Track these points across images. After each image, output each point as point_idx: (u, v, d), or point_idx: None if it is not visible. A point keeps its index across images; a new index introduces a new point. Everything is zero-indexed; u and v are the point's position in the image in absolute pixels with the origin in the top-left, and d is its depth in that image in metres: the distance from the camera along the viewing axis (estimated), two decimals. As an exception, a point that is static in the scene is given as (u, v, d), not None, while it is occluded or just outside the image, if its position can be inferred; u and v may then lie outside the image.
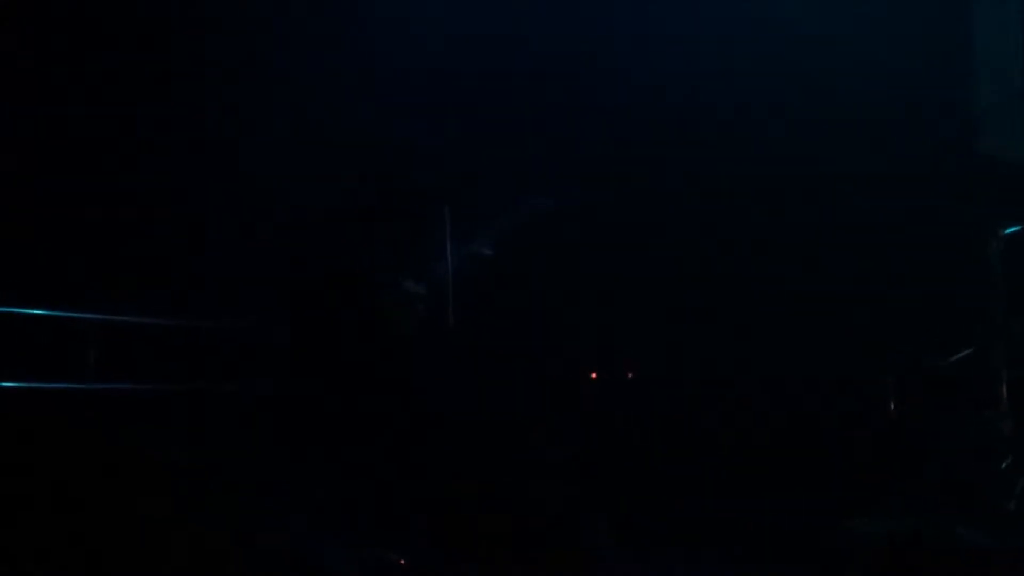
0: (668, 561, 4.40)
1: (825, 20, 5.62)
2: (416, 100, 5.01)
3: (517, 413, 4.91)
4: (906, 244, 5.35)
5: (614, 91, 5.57)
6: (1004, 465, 4.53)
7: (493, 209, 4.76)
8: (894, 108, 5.61)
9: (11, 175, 4.61)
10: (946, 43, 5.89)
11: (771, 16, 5.61)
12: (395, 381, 4.50)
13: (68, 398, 4.41)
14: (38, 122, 4.67)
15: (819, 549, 4.33)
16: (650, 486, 4.92)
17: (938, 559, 4.17)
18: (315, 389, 4.41)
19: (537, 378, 5.00)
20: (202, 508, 4.18)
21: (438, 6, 5.30)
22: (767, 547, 4.45)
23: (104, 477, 4.23)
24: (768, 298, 5.30)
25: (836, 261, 5.34)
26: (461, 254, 4.50)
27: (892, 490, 4.82)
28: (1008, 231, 4.80)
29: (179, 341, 4.77)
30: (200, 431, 4.50)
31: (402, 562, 3.91)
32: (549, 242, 5.14)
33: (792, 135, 5.52)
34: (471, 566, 4.09)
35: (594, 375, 5.12)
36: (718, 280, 5.39)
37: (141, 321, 4.63)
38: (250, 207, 4.93)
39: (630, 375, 5.16)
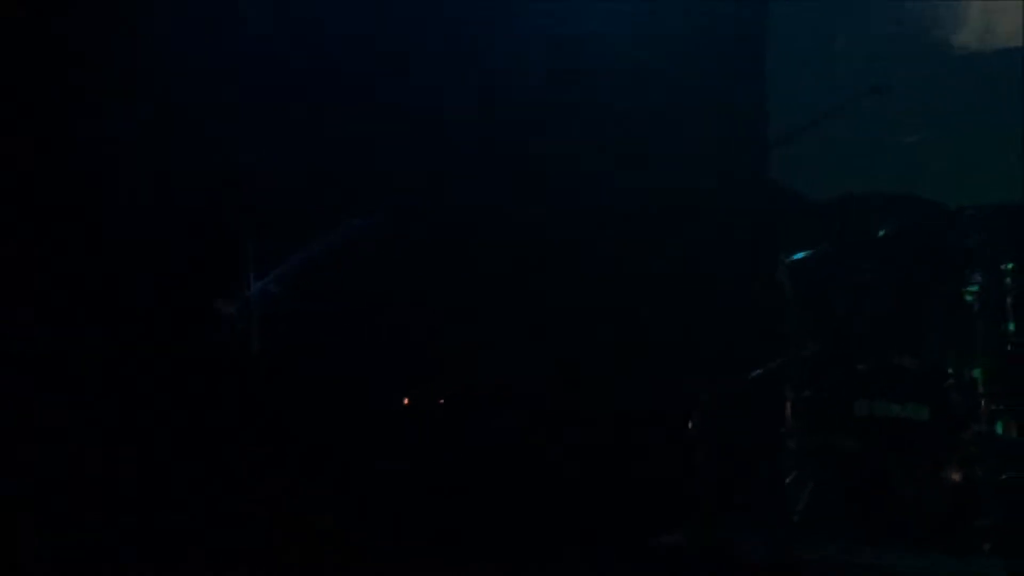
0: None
1: (608, 44, 5.39)
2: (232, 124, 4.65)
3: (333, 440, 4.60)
4: (697, 271, 5.17)
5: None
6: (788, 481, 4.38)
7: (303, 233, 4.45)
8: (684, 137, 5.43)
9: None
10: (737, 73, 5.71)
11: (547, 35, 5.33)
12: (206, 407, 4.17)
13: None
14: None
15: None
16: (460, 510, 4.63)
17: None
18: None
19: (350, 405, 4.69)
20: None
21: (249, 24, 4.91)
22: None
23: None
24: (565, 327, 5.05)
25: (627, 290, 5.11)
26: (271, 280, 4.20)
27: (692, 506, 4.64)
28: (794, 258, 4.65)
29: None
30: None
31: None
32: (361, 264, 4.84)
33: (577, 163, 5.27)
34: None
35: (406, 401, 4.80)
36: (524, 309, 5.12)
37: None
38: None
39: (441, 401, 4.85)
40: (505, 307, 5.17)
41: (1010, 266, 4.09)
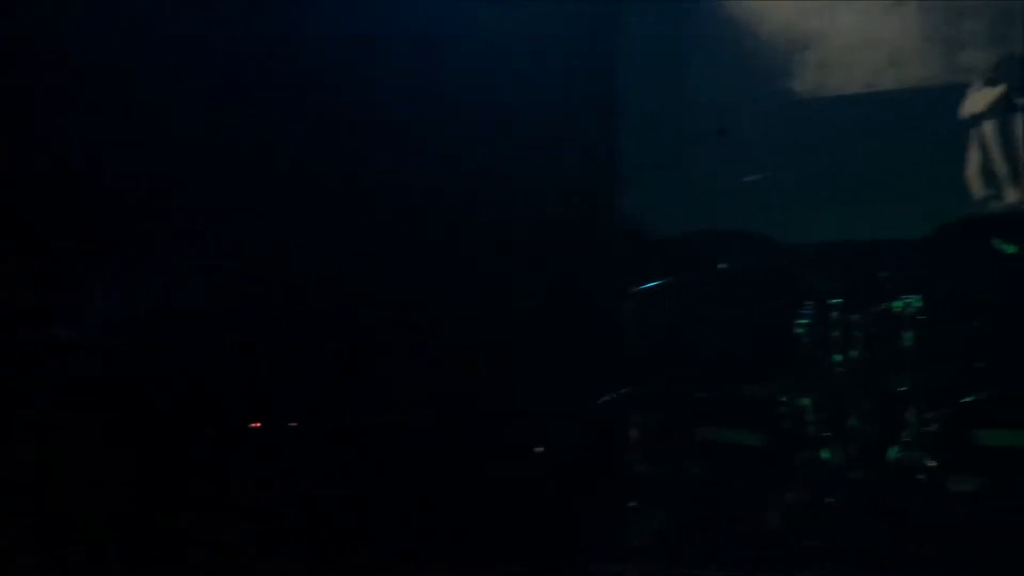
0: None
1: (458, 74, 5.44)
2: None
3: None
4: (547, 297, 5.25)
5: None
6: (633, 505, 4.46)
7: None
8: (537, 170, 5.54)
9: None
10: (590, 106, 5.85)
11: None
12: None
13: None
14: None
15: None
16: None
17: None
18: None
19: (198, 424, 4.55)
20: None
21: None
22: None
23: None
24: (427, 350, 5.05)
25: (470, 315, 5.14)
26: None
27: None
28: (641, 288, 4.76)
29: None
30: None
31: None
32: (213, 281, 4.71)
33: (429, 187, 5.31)
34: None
35: (257, 424, 4.70)
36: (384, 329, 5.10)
37: None
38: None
39: (292, 424, 4.77)
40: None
41: (839, 301, 4.35)
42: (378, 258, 5.25)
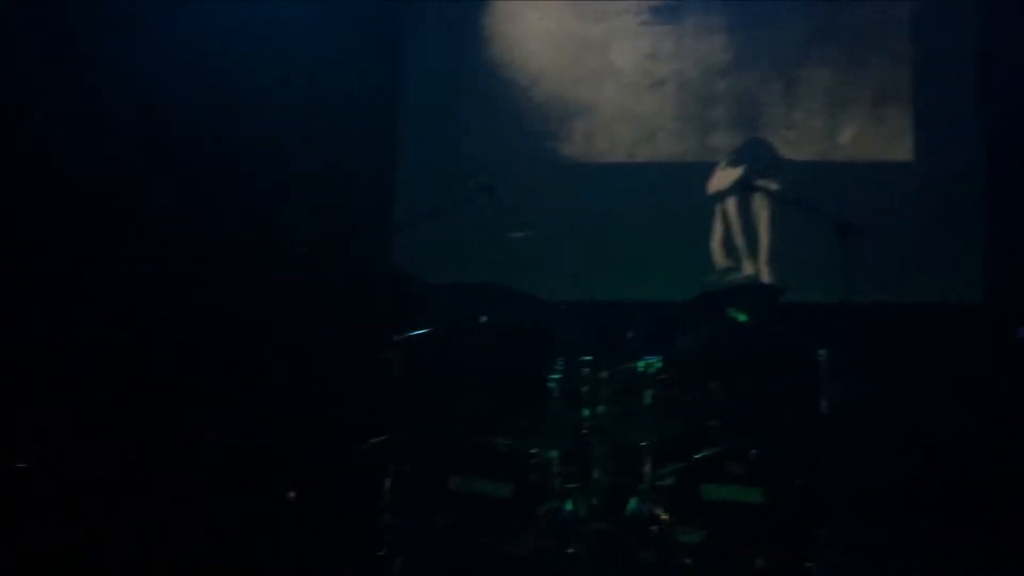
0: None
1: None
2: None
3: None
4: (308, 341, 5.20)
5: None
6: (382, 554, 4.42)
7: None
8: (310, 213, 5.51)
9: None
10: (368, 154, 5.82)
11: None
12: None
13: None
14: None
15: None
16: None
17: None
18: None
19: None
20: None
21: None
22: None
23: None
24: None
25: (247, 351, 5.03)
26: None
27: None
28: (403, 337, 4.76)
29: None
30: None
31: None
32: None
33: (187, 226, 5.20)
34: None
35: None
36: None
37: None
38: None
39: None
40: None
41: (588, 358, 4.52)
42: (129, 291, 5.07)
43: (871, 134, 5.58)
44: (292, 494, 4.62)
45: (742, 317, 4.62)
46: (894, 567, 4.34)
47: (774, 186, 5.57)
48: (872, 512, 4.51)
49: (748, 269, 5.69)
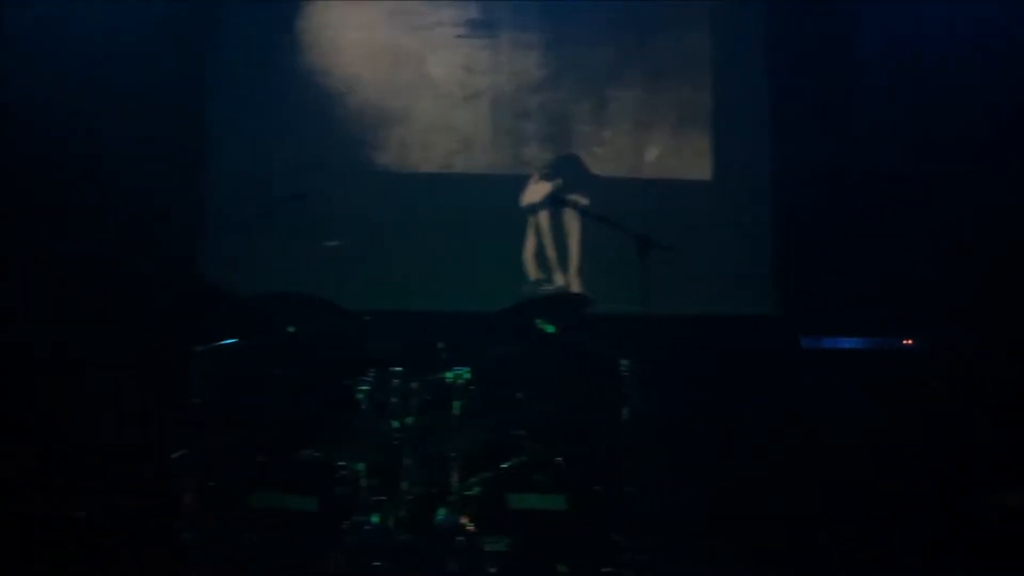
0: None
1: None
2: None
3: None
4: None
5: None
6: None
7: None
8: (119, 218, 5.26)
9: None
10: (178, 160, 5.58)
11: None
12: None
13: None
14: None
15: None
16: None
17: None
18: None
19: None
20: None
21: None
22: None
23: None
24: None
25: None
26: None
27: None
28: (208, 347, 4.57)
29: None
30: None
31: None
32: None
33: None
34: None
35: None
36: None
37: None
38: None
39: None
40: None
41: (398, 369, 4.49)
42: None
43: (673, 154, 5.80)
44: (82, 513, 4.35)
45: (549, 328, 4.73)
46: (692, 570, 4.54)
47: (584, 201, 5.71)
48: (671, 516, 4.73)
49: (559, 281, 5.81)
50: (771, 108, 5.75)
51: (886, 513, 4.38)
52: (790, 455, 4.97)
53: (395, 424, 4.36)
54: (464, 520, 4.19)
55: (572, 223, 5.77)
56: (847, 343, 5.09)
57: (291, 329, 4.53)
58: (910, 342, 4.76)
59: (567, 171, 5.82)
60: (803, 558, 4.61)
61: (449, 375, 4.42)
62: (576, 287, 5.74)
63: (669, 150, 5.81)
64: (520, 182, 5.78)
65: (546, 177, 5.82)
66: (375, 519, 4.17)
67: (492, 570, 4.13)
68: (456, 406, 4.37)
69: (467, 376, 4.41)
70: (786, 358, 5.13)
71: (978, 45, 5.41)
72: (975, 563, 3.76)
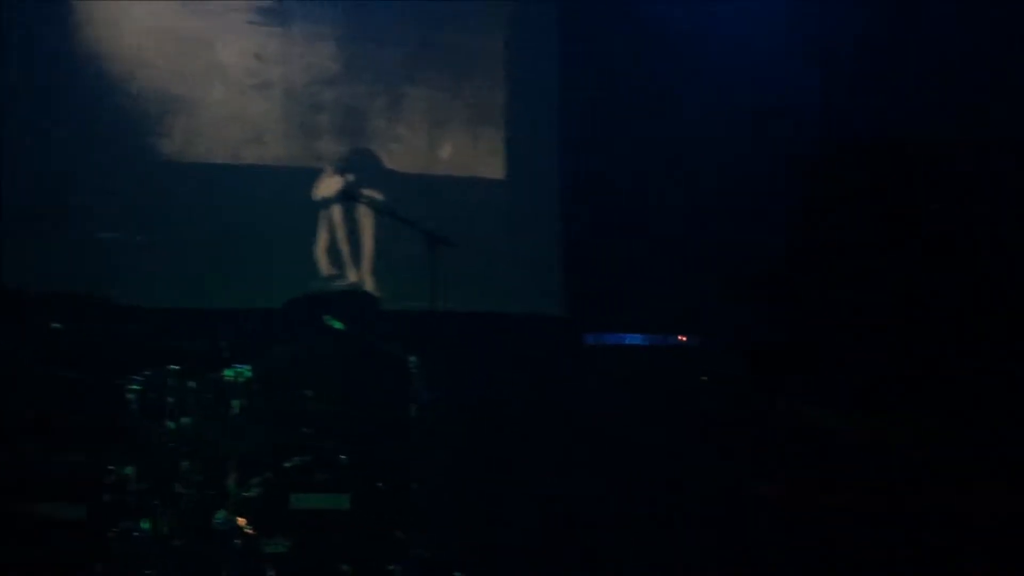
0: None
1: None
2: None
3: None
4: None
5: None
6: None
7: None
8: None
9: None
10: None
11: None
12: None
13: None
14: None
15: None
16: None
17: None
18: None
19: None
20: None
21: None
22: None
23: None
24: None
25: None
26: None
27: None
28: None
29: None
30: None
31: None
32: None
33: None
34: None
35: None
36: None
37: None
38: None
39: None
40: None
41: (175, 367, 4.28)
42: None
43: (467, 152, 5.82)
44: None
45: (337, 324, 4.65)
46: (478, 568, 4.57)
47: (377, 196, 5.65)
48: (457, 513, 4.75)
49: (352, 277, 5.70)
50: (562, 109, 5.86)
51: (655, 501, 4.57)
52: (572, 451, 5.10)
53: (171, 425, 4.18)
54: (242, 522, 4.09)
55: (365, 219, 5.67)
56: (629, 340, 5.28)
57: (56, 326, 4.26)
58: (684, 339, 5.01)
59: (361, 166, 5.73)
60: (584, 550, 4.75)
61: (229, 373, 4.25)
62: (369, 283, 5.68)
63: (463, 148, 5.81)
64: (313, 176, 5.64)
65: (339, 171, 5.71)
66: (145, 525, 3.98)
67: (271, 573, 4.02)
68: (236, 405, 4.22)
69: (248, 374, 4.26)
70: (570, 355, 5.26)
71: (760, 46, 5.65)
72: (737, 552, 3.97)
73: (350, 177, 5.71)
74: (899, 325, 3.02)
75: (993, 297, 2.97)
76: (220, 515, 4.12)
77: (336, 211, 5.71)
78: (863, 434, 3.06)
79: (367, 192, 5.61)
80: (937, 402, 3.15)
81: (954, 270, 3.05)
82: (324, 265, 5.70)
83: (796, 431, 3.32)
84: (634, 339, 5.31)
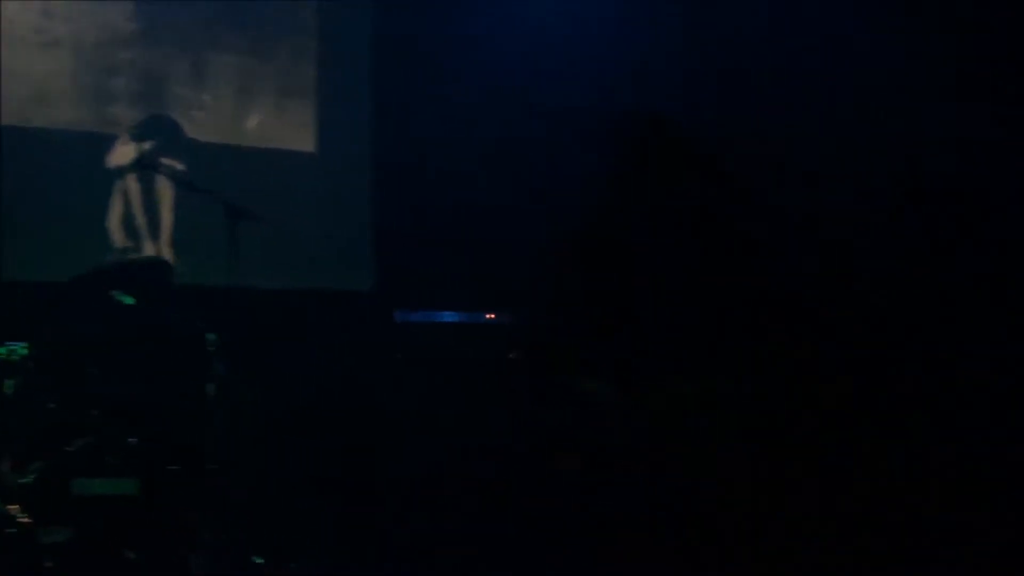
0: None
1: None
2: None
3: None
4: None
5: None
6: None
7: None
8: None
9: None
10: None
11: None
12: None
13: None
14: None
15: None
16: None
17: None
18: None
19: None
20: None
21: None
22: None
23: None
24: None
25: None
26: None
27: None
28: None
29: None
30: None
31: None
32: None
33: None
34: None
35: None
36: None
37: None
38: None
39: None
40: None
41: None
42: None
43: (276, 123, 5.57)
44: None
45: (128, 300, 4.37)
46: (278, 552, 4.42)
47: (178, 166, 5.33)
48: (258, 496, 4.58)
49: (149, 250, 5.34)
50: (374, 83, 5.70)
51: (459, 479, 4.56)
52: (378, 430, 5.01)
53: None
54: (15, 510, 3.78)
55: (164, 189, 5.35)
56: (438, 317, 5.24)
57: None
58: (492, 316, 5.01)
59: (160, 134, 5.37)
60: (387, 531, 4.68)
61: (2, 351, 3.94)
62: (168, 256, 5.37)
63: (271, 119, 5.56)
64: (107, 142, 5.30)
65: (136, 138, 5.36)
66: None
67: (48, 564, 3.76)
68: (8, 385, 3.91)
69: (23, 352, 3.95)
70: (378, 332, 5.17)
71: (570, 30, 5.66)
72: (541, 521, 4.02)
73: (147, 145, 5.38)
74: (686, 299, 3.12)
75: (765, 271, 3.12)
76: (-12, 505, 3.85)
77: (132, 180, 5.37)
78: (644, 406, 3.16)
79: (166, 161, 5.31)
80: (724, 370, 3.27)
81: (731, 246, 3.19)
82: (119, 237, 5.34)
83: (588, 405, 3.39)
84: (444, 316, 5.29)
